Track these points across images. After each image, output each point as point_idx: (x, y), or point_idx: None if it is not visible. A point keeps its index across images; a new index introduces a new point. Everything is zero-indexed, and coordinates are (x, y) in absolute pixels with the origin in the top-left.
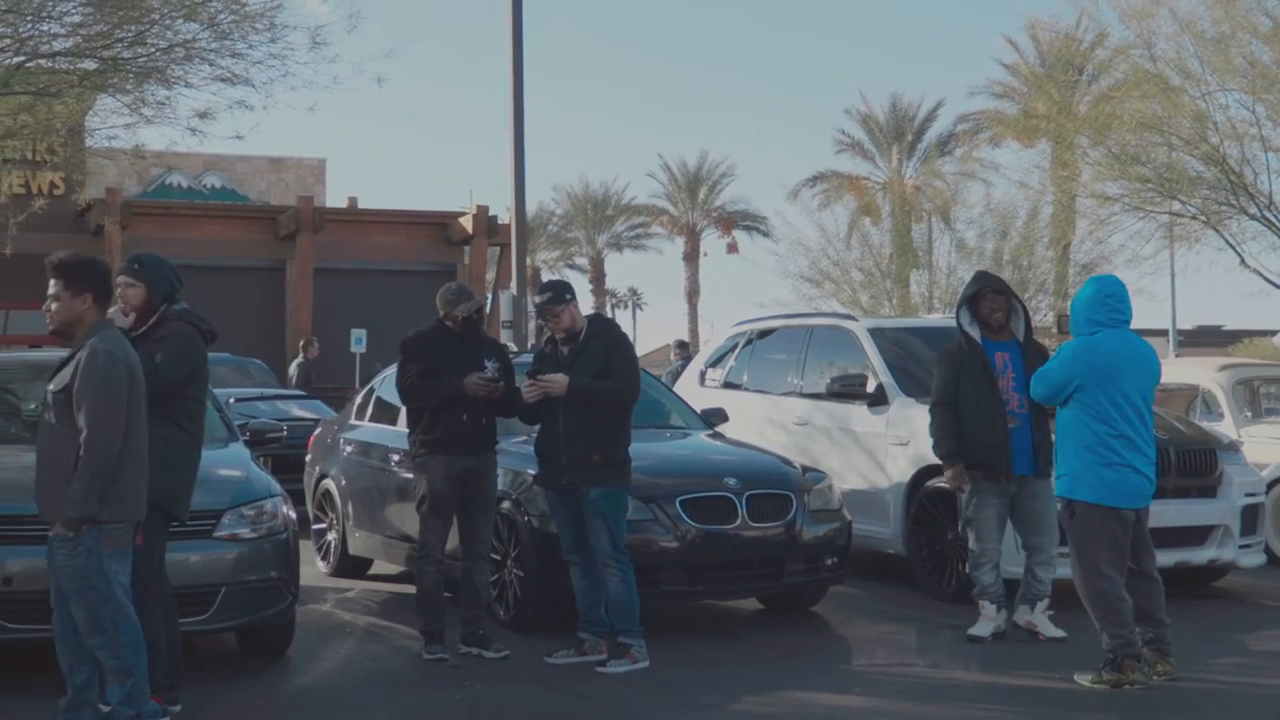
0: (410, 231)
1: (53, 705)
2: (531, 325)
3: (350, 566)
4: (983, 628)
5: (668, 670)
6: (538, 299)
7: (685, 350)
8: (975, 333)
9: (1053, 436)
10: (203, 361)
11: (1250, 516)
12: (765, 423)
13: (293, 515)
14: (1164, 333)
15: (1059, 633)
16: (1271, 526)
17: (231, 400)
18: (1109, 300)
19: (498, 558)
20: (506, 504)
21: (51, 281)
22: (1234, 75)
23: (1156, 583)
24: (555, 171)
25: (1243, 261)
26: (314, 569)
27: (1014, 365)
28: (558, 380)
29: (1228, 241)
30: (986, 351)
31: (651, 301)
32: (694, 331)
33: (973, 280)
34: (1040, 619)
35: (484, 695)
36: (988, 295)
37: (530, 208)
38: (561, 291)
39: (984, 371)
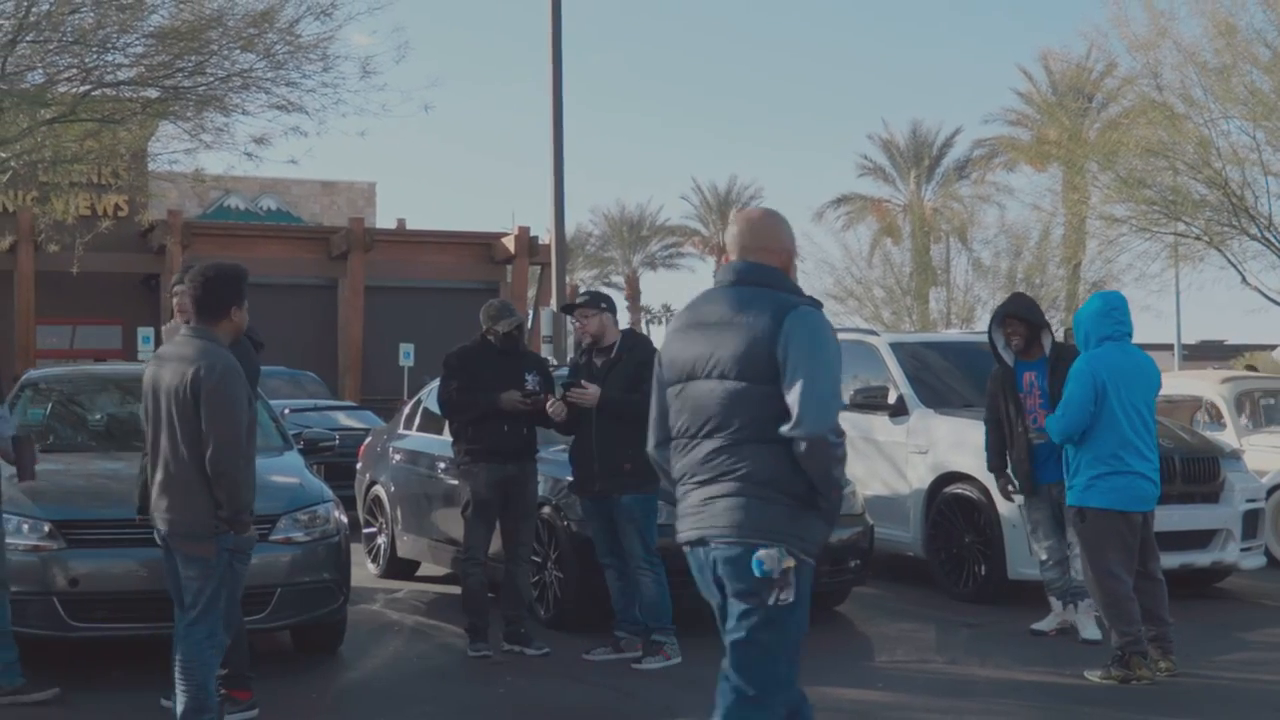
0: (456, 251)
1: (116, 701)
2: (571, 340)
3: (399, 568)
4: (1047, 622)
5: (700, 666)
6: (576, 300)
7: None
8: (1009, 356)
9: None
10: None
11: (1251, 521)
12: None
13: (344, 520)
14: (1169, 347)
15: (1096, 635)
16: (1271, 530)
17: (286, 411)
18: (1113, 314)
19: (538, 560)
20: (547, 509)
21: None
22: (1235, 103)
23: (1160, 583)
24: (593, 194)
25: (1244, 279)
26: (364, 571)
27: (1039, 383)
28: (591, 392)
29: (1230, 261)
30: (1017, 372)
31: None
32: None
33: (1001, 304)
34: (1082, 619)
35: (526, 690)
36: (1007, 320)
37: (569, 228)
38: (598, 300)
39: (1013, 392)
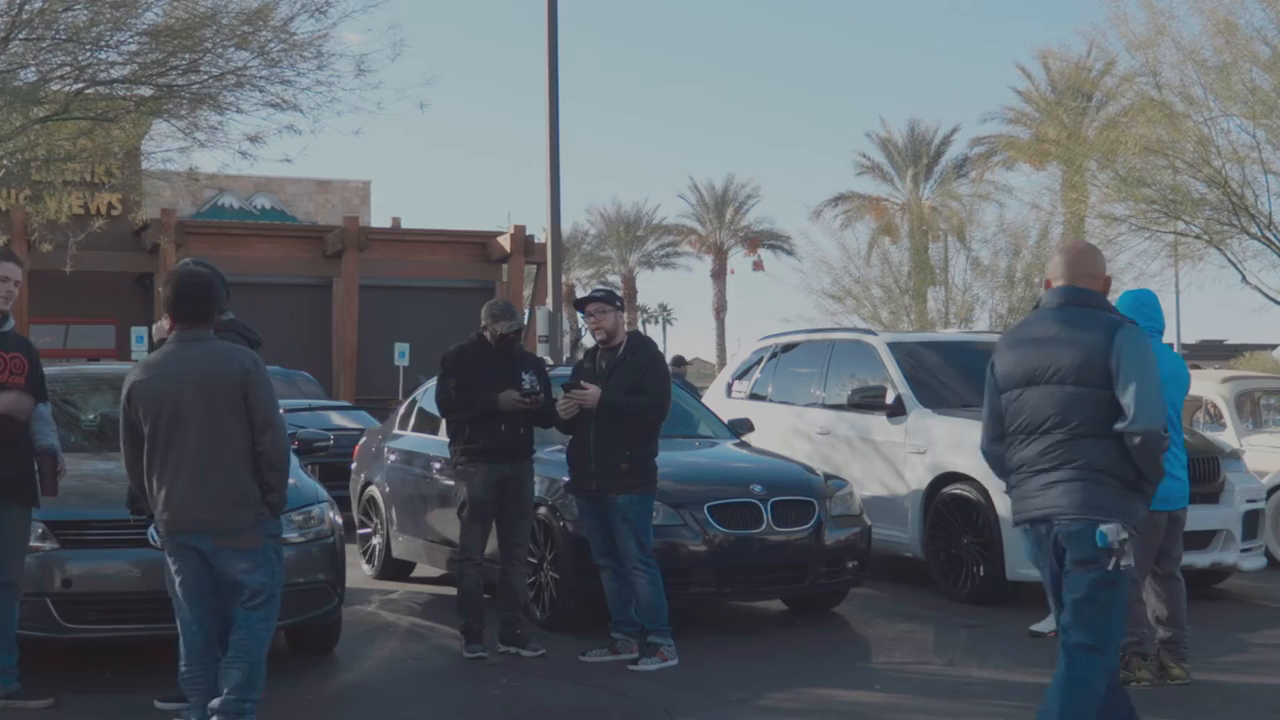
0: (451, 250)
1: (110, 703)
2: (567, 340)
3: (394, 569)
4: (1046, 624)
5: (697, 667)
6: (593, 294)
7: (680, 365)
8: None
9: None
10: None
11: (1251, 522)
12: (789, 432)
13: (339, 520)
14: (1169, 347)
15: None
16: (1271, 531)
17: (280, 411)
18: (1144, 310)
19: (535, 561)
20: (543, 510)
21: None
22: (1235, 101)
23: (1180, 583)
24: (589, 193)
25: (1244, 279)
26: (359, 571)
27: None
28: (591, 393)
29: (1230, 260)
30: None
31: (681, 317)
32: (721, 346)
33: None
34: None
35: (522, 691)
36: None
37: (565, 228)
38: (612, 296)
39: None
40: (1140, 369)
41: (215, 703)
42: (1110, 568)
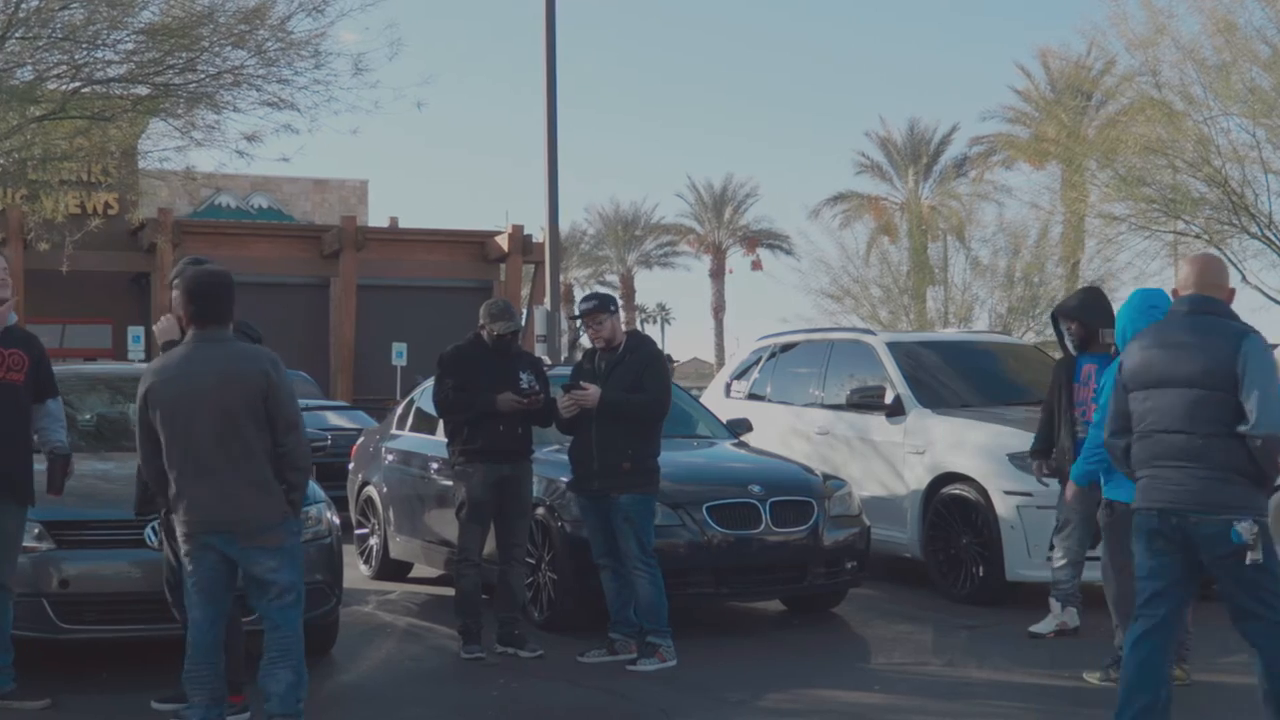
0: (449, 250)
1: (107, 703)
2: (565, 339)
3: (391, 570)
4: (1045, 625)
5: (695, 668)
6: (582, 306)
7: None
8: (1072, 345)
9: None
10: None
11: None
12: (788, 432)
13: (336, 521)
14: None
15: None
16: (1272, 531)
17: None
18: (1152, 312)
19: (533, 561)
20: (541, 510)
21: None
22: (1235, 101)
23: None
24: (587, 193)
25: (1244, 278)
26: (357, 572)
27: (1098, 376)
28: (591, 393)
29: (1230, 259)
30: (1078, 363)
31: (679, 317)
32: (720, 345)
33: (1061, 301)
34: None
35: (520, 692)
36: (1060, 318)
37: (564, 227)
38: (606, 302)
39: (1067, 382)
40: (1264, 376)
41: (272, 705)
42: (1250, 561)
